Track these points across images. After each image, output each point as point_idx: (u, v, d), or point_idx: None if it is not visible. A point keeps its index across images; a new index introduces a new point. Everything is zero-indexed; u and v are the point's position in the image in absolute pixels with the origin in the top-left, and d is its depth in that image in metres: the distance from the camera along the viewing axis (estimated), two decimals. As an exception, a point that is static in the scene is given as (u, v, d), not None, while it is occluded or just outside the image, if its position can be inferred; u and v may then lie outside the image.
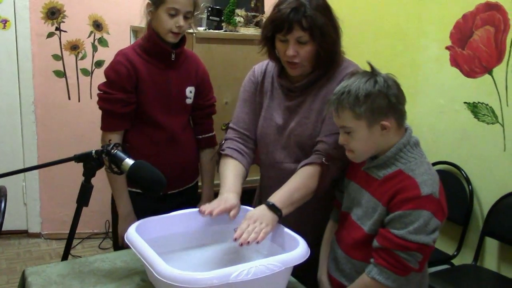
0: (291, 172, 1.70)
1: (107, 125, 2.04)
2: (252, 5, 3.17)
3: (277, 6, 1.64)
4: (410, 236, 1.38)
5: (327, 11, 1.64)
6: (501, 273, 2.60)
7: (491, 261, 2.67)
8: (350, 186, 1.62)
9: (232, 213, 1.56)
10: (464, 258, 2.76)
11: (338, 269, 1.61)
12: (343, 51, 1.75)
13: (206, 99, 2.20)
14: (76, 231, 1.68)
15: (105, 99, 2.01)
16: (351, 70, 1.66)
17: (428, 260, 1.48)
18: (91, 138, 3.57)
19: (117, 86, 1.98)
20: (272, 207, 1.55)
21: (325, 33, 1.61)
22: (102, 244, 3.71)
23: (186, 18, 1.95)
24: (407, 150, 1.48)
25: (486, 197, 2.69)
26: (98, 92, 2.03)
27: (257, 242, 1.43)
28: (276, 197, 1.59)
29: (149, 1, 1.96)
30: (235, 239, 1.43)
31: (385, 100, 1.43)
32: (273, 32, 1.66)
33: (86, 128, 3.61)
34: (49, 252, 3.56)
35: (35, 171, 3.62)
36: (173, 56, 2.02)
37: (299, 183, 1.64)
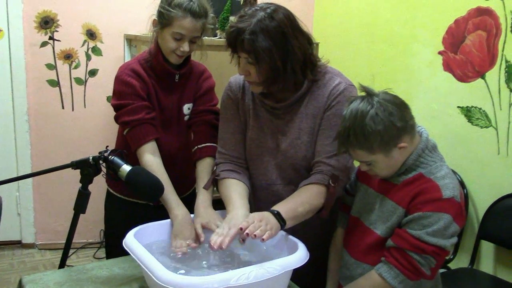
0: (283, 194, 1.64)
1: (138, 139, 1.84)
2: (246, 12, 3.18)
3: (235, 19, 1.57)
4: (427, 237, 1.36)
5: (276, 35, 1.50)
6: (497, 276, 2.61)
7: (487, 264, 2.68)
8: (363, 190, 1.60)
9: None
10: (461, 261, 2.77)
11: (347, 277, 1.59)
12: (327, 60, 1.68)
13: (206, 105, 2.03)
14: (70, 241, 1.67)
15: (128, 112, 1.84)
16: (343, 90, 1.61)
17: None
18: (85, 147, 3.57)
19: (133, 96, 1.85)
20: (277, 215, 1.46)
21: (265, 58, 1.50)
22: (97, 253, 3.68)
23: (192, 42, 1.85)
24: (426, 154, 1.46)
25: (481, 200, 2.71)
26: (116, 113, 1.89)
27: (262, 240, 1.37)
28: (281, 207, 1.50)
29: (155, 19, 1.85)
30: (241, 229, 1.36)
31: (393, 129, 1.38)
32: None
33: (80, 137, 3.60)
34: (44, 263, 3.53)
35: (29, 181, 3.59)
36: (177, 77, 1.94)
37: (303, 198, 1.56)
